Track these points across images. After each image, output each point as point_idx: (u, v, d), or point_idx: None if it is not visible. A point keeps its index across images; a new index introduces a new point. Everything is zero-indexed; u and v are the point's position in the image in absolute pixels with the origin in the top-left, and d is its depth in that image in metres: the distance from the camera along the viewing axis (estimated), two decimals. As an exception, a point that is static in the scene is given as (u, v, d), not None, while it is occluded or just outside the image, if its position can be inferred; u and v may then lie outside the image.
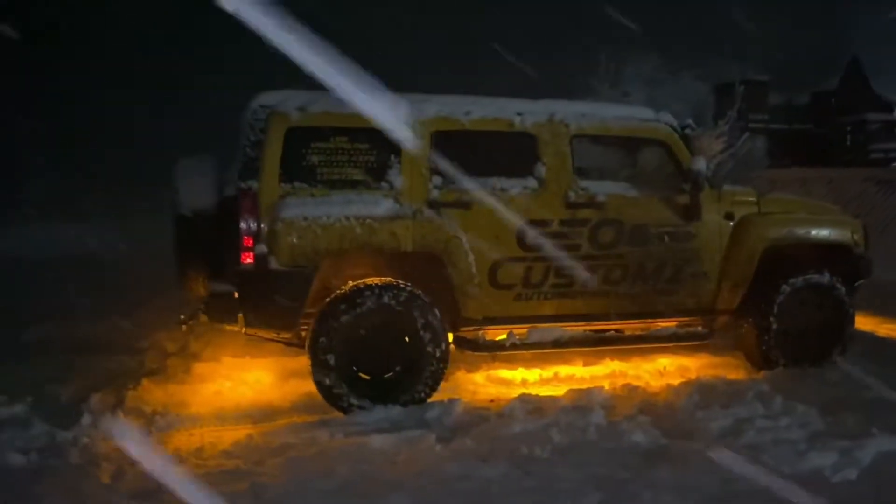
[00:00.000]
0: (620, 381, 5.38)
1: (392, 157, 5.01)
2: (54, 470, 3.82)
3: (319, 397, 4.80)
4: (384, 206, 4.91)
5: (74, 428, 4.31)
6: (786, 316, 5.59)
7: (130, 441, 4.28)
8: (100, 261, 10.33)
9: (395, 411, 4.65)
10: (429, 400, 4.86)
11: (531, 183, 5.26)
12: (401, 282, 4.87)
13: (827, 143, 40.28)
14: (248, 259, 4.69)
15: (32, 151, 21.61)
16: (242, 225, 4.71)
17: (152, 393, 5.08)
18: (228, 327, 5.13)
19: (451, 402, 4.73)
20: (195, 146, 5.82)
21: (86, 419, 4.44)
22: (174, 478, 3.71)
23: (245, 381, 5.47)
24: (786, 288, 5.60)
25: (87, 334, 6.60)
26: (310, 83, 5.12)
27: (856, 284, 5.91)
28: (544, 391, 5.13)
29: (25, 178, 20.65)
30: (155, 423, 4.53)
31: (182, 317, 5.37)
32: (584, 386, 5.15)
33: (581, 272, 5.29)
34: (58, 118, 23.05)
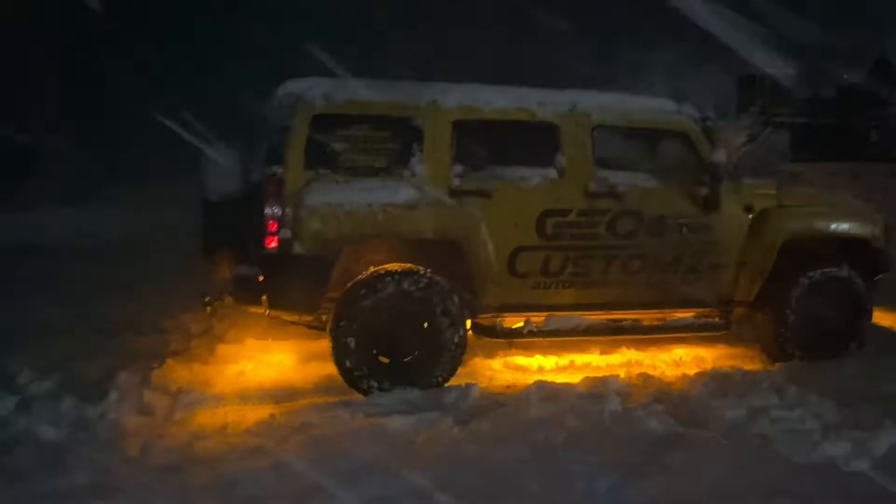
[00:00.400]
0: (636, 370, 5.41)
1: (414, 145, 5.08)
2: (83, 443, 3.94)
3: (340, 379, 4.90)
4: (406, 194, 4.99)
5: (102, 403, 4.43)
6: (803, 309, 5.61)
7: (156, 417, 4.43)
8: (126, 245, 10.50)
9: (414, 394, 4.72)
10: (446, 384, 4.93)
11: (551, 172, 5.29)
12: (421, 268, 4.95)
13: (852, 138, 39.72)
14: (273, 243, 4.78)
15: (60, 138, 21.90)
16: (267, 210, 4.80)
17: (177, 372, 5.19)
18: (252, 309, 5.22)
19: (469, 386, 4.79)
20: (220, 134, 5.90)
21: (113, 395, 4.54)
22: (199, 453, 3.84)
23: (267, 363, 5.58)
24: (804, 281, 5.61)
25: (113, 315, 6.72)
26: (332, 72, 5.20)
27: (875, 279, 5.91)
28: (560, 378, 5.18)
29: (53, 163, 20.93)
30: (180, 401, 4.63)
31: (206, 299, 5.46)
32: (600, 374, 5.19)
33: (599, 262, 5.34)
34: (85, 106, 23.33)
